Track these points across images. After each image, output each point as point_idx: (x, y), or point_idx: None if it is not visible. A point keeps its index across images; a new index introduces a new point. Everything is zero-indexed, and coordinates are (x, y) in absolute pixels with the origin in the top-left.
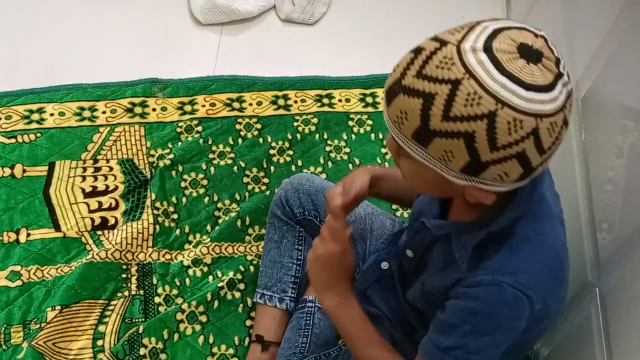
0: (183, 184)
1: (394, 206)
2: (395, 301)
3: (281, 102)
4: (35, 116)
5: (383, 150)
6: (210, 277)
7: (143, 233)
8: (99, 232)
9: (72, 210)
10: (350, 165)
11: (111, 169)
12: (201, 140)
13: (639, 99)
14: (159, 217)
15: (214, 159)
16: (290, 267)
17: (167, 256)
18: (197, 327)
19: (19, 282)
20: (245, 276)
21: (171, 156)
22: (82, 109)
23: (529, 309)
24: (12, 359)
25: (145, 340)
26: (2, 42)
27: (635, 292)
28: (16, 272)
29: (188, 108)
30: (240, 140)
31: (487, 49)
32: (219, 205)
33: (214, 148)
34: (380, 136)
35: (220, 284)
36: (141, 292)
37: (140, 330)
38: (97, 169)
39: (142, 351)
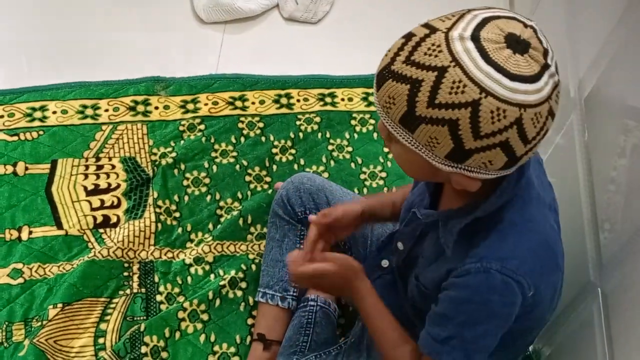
0: (185, 183)
1: None
2: (397, 299)
3: (284, 100)
4: (38, 114)
5: (385, 150)
6: (212, 276)
7: (145, 231)
8: (101, 230)
9: (74, 208)
10: (352, 165)
11: (113, 167)
12: (203, 139)
13: None
14: (161, 215)
15: (216, 157)
16: None
17: (169, 254)
18: (199, 326)
19: (20, 280)
20: (247, 275)
21: (173, 154)
22: (85, 106)
23: (521, 295)
24: (14, 357)
25: (146, 339)
26: (4, 39)
27: (637, 292)
28: (18, 269)
29: (190, 106)
30: (242, 139)
31: (475, 37)
32: (221, 203)
33: (216, 146)
34: None
35: (222, 283)
36: (143, 290)
37: (142, 329)
38: (100, 167)
39: (144, 349)
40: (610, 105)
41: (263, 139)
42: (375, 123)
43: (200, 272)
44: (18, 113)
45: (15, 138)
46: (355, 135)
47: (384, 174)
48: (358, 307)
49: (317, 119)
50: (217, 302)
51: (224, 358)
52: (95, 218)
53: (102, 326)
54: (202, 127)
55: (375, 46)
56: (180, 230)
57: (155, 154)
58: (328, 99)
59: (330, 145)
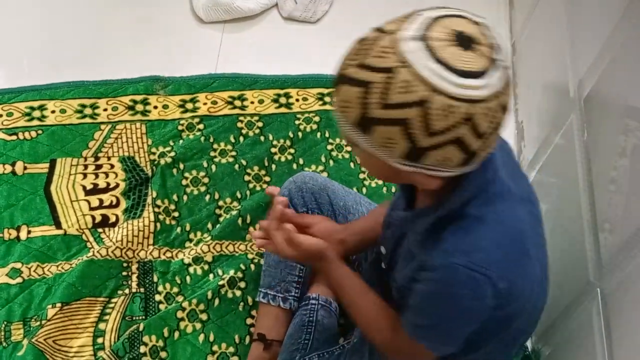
0: (184, 182)
1: None
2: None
3: (283, 100)
4: (37, 113)
5: None
6: (211, 275)
7: (144, 231)
8: (100, 230)
9: (72, 207)
10: (351, 164)
11: (112, 166)
12: (202, 138)
13: None
14: (160, 215)
15: (215, 157)
16: (295, 266)
17: (168, 254)
18: (198, 325)
19: (19, 280)
20: (246, 274)
21: (172, 154)
22: (84, 106)
23: (491, 288)
24: (13, 356)
25: (145, 338)
26: (3, 39)
27: (637, 292)
28: (17, 269)
29: (190, 106)
30: (241, 139)
31: (422, 37)
32: (220, 203)
33: (215, 146)
34: None
35: (221, 282)
36: (142, 290)
37: (141, 328)
38: (98, 167)
39: (143, 349)
40: (610, 105)
41: (262, 138)
42: None
43: (199, 271)
44: (17, 112)
45: (14, 137)
46: None
47: None
48: (329, 278)
49: (316, 119)
50: (216, 301)
51: (223, 358)
52: (94, 217)
53: (101, 326)
54: (201, 126)
55: None
56: (179, 229)
57: (154, 154)
58: (327, 99)
59: (330, 145)
